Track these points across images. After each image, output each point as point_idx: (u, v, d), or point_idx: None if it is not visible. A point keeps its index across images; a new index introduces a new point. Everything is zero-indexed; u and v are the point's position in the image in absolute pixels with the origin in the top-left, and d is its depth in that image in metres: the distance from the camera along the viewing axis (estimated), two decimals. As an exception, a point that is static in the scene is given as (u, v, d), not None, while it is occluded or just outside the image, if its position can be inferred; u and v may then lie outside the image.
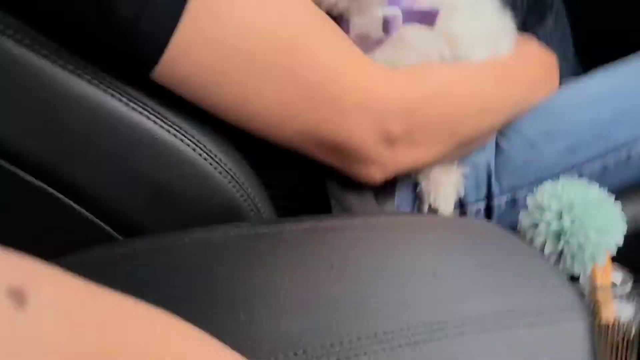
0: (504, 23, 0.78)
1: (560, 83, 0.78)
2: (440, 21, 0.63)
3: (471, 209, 0.67)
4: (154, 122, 0.47)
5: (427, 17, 0.61)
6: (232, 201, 0.52)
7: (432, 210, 0.65)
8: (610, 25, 1.35)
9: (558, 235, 0.50)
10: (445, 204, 0.64)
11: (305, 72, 0.52)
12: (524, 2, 1.09)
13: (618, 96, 0.67)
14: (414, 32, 0.63)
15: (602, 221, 0.48)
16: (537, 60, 0.75)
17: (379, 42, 0.63)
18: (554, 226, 0.50)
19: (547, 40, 1.09)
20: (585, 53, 1.18)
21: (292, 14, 0.52)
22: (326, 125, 0.54)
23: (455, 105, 0.62)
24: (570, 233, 0.49)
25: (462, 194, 0.65)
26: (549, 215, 0.51)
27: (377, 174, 0.59)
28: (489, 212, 0.67)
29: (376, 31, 0.61)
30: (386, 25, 0.60)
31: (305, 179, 0.63)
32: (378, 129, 0.56)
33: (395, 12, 0.60)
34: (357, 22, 0.61)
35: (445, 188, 0.64)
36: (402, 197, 0.65)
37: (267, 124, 0.53)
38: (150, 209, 0.51)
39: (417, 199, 0.66)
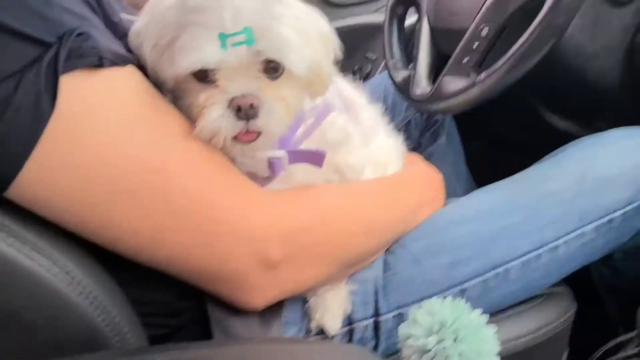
0: (395, 145, 0.82)
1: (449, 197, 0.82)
2: (330, 157, 0.63)
3: (359, 325, 0.64)
4: (3, 239, 0.43)
5: (315, 158, 0.61)
6: (92, 326, 0.47)
7: (320, 328, 0.63)
8: (498, 144, 1.47)
9: (425, 353, 0.49)
10: (333, 322, 0.62)
11: (176, 197, 0.50)
12: (419, 122, 1.16)
13: (497, 214, 0.70)
14: (302, 172, 0.63)
15: (468, 346, 0.47)
16: (425, 180, 0.78)
17: (267, 179, 0.61)
18: (421, 343, 0.49)
19: (440, 158, 1.16)
20: (477, 169, 1.26)
21: (163, 139, 0.50)
22: (199, 251, 0.52)
23: (340, 229, 0.61)
24: (435, 352, 0.48)
25: (349, 311, 0.64)
26: (419, 331, 0.50)
27: (257, 300, 0.56)
28: (376, 329, 0.65)
29: (262, 171, 0.60)
30: (272, 167, 0.59)
31: (184, 296, 0.59)
32: (257, 254, 0.53)
33: (280, 154, 0.59)
34: (243, 162, 0.59)
35: (332, 305, 0.62)
36: (290, 313, 0.63)
37: (136, 247, 0.50)
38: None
39: (306, 315, 0.64)
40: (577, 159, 0.74)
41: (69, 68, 0.43)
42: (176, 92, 0.56)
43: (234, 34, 0.51)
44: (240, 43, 0.51)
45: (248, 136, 0.54)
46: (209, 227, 0.51)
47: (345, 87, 0.76)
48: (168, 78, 0.54)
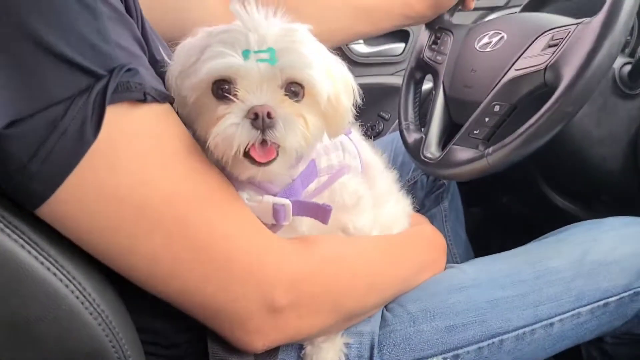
0: (402, 207, 0.84)
1: (450, 262, 0.83)
2: (339, 217, 0.65)
3: (352, 378, 0.65)
4: (29, 252, 0.45)
5: (321, 213, 0.61)
6: (98, 345, 0.49)
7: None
8: (497, 213, 1.50)
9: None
10: (326, 372, 0.63)
11: (197, 232, 0.51)
12: (425, 183, 1.19)
13: (496, 285, 0.71)
14: (307, 226, 0.64)
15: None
16: (428, 242, 0.80)
17: (271, 228, 0.62)
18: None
19: (442, 221, 1.19)
20: (475, 236, 1.28)
21: (191, 175, 0.53)
22: (211, 287, 0.53)
23: (345, 281, 0.63)
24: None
25: (344, 362, 0.65)
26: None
27: (257, 343, 0.57)
28: (369, 384, 0.66)
29: (266, 217, 0.60)
30: (276, 214, 0.60)
31: (186, 329, 0.60)
32: (263, 297, 0.55)
33: (284, 201, 0.60)
34: (248, 205, 0.59)
35: (327, 356, 0.63)
36: (286, 357, 0.64)
37: (152, 276, 0.52)
38: (5, 343, 0.46)
39: (301, 360, 0.65)
40: (578, 241, 0.76)
41: (115, 100, 0.46)
42: (195, 110, 0.57)
43: (258, 52, 0.54)
44: (263, 60, 0.54)
45: (264, 153, 0.54)
46: (224, 264, 0.53)
47: (365, 150, 0.79)
48: (190, 90, 0.56)
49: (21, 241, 0.44)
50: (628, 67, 0.89)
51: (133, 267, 0.51)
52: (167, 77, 0.59)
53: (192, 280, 0.52)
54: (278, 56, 0.55)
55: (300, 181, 0.64)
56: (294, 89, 0.57)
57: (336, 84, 0.60)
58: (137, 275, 0.52)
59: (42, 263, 0.45)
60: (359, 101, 0.65)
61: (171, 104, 0.54)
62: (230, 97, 0.54)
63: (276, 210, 0.60)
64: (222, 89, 0.55)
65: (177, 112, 0.57)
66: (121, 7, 0.50)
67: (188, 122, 0.58)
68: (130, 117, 0.48)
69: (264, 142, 0.54)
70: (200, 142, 0.57)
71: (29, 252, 0.45)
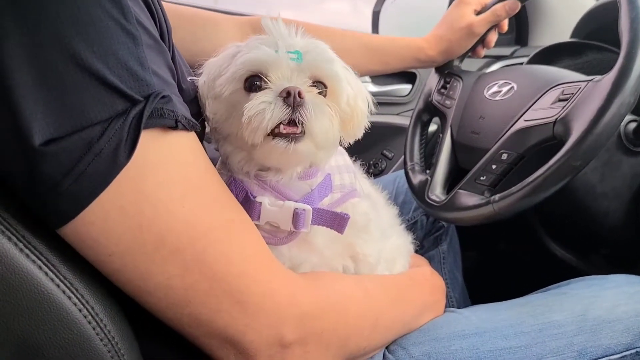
0: (404, 244, 0.85)
1: (448, 306, 0.83)
2: (349, 237, 0.67)
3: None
4: (45, 273, 0.45)
5: (338, 221, 0.64)
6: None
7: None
8: (494, 259, 1.50)
9: None
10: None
11: (214, 262, 0.52)
12: (425, 224, 1.20)
13: (499, 335, 0.71)
14: (322, 238, 0.67)
15: None
16: (429, 284, 0.80)
17: (287, 237, 0.65)
18: None
19: (440, 263, 1.20)
20: (471, 280, 1.28)
21: (213, 206, 0.53)
22: (223, 317, 0.53)
23: (351, 320, 0.63)
24: None
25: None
26: None
27: None
28: None
29: (285, 223, 0.64)
30: (296, 219, 0.63)
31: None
32: (273, 331, 0.55)
33: (305, 206, 0.64)
34: (269, 210, 0.63)
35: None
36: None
37: (166, 302, 0.52)
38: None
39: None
40: (581, 295, 0.76)
41: (149, 125, 0.47)
42: (229, 105, 0.63)
43: (287, 52, 0.61)
44: (292, 59, 0.61)
45: (292, 128, 0.58)
46: (237, 296, 0.53)
47: (367, 186, 0.81)
48: (225, 84, 0.62)
49: (39, 262, 0.44)
50: (633, 125, 0.91)
51: (148, 293, 0.51)
52: (199, 87, 0.66)
53: (205, 310, 0.52)
54: (304, 57, 0.61)
55: (318, 192, 0.67)
56: (319, 88, 0.63)
57: (353, 87, 0.67)
58: (151, 301, 0.52)
59: (57, 285, 0.45)
60: (373, 110, 0.72)
61: (196, 132, 0.55)
62: (263, 86, 0.60)
63: (297, 215, 0.63)
64: (254, 84, 0.61)
65: (208, 115, 0.64)
66: (157, 34, 0.52)
67: (221, 120, 0.64)
68: (161, 143, 0.49)
69: (292, 122, 0.59)
70: (231, 138, 0.63)
71: (46, 274, 0.45)
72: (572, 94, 0.79)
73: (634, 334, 0.69)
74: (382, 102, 1.60)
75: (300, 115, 0.58)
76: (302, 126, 0.58)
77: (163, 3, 0.90)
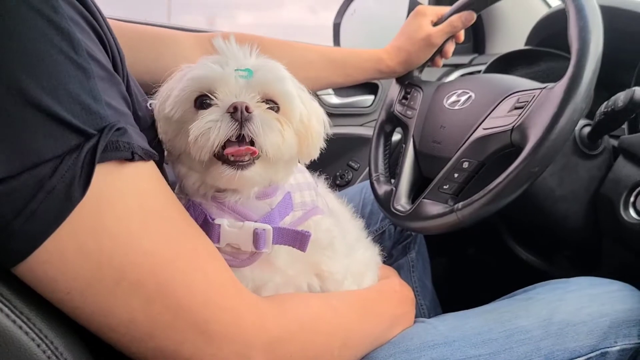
0: (372, 256, 0.85)
1: (419, 317, 0.84)
2: (313, 255, 0.67)
3: None
4: (0, 309, 0.43)
5: (299, 239, 0.64)
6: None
7: None
8: (463, 264, 1.52)
9: None
10: None
11: (178, 292, 0.51)
12: (392, 233, 1.21)
13: (468, 343, 0.71)
14: (284, 258, 0.66)
15: None
16: (398, 296, 0.81)
17: (249, 258, 0.65)
18: None
19: (409, 271, 1.20)
20: (441, 286, 1.29)
21: (174, 235, 0.52)
22: (188, 348, 0.52)
23: (320, 340, 0.62)
24: None
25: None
26: None
27: None
28: None
29: (246, 244, 0.63)
30: (256, 239, 0.62)
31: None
32: (241, 359, 0.54)
33: (265, 226, 0.63)
34: (228, 231, 0.63)
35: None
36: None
37: (129, 337, 0.50)
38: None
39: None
40: (546, 300, 0.78)
41: (104, 159, 0.46)
42: (179, 124, 0.62)
43: (237, 70, 0.61)
44: (241, 77, 0.60)
45: (240, 154, 0.58)
46: (202, 326, 0.52)
47: (332, 200, 0.81)
48: (174, 105, 0.61)
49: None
50: (588, 129, 0.93)
51: (110, 328, 0.49)
52: (154, 112, 0.65)
53: (170, 341, 0.51)
54: (254, 74, 0.61)
55: (278, 211, 0.66)
56: (270, 106, 0.62)
57: (307, 107, 0.66)
58: (114, 337, 0.50)
59: (14, 322, 0.44)
60: (330, 132, 0.71)
61: (155, 161, 0.54)
62: (212, 103, 0.60)
63: (257, 236, 0.63)
64: (204, 102, 0.61)
65: (160, 136, 0.63)
66: (109, 66, 0.51)
67: (172, 138, 0.63)
68: (117, 176, 0.48)
69: (242, 139, 0.58)
70: (182, 158, 0.63)
71: (1, 310, 0.43)
72: (527, 101, 0.81)
73: (598, 335, 0.71)
74: (345, 114, 1.61)
75: (249, 130, 0.58)
76: (253, 148, 0.59)
77: (124, 23, 0.90)
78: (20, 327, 0.44)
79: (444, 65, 1.36)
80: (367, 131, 1.59)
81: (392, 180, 1.10)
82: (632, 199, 0.88)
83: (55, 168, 0.43)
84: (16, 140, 0.42)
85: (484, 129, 0.87)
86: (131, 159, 0.49)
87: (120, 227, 0.47)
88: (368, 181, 1.16)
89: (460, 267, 1.52)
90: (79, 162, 0.44)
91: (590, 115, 0.96)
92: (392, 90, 1.19)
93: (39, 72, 0.43)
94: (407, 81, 1.17)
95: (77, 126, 0.45)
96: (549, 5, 1.60)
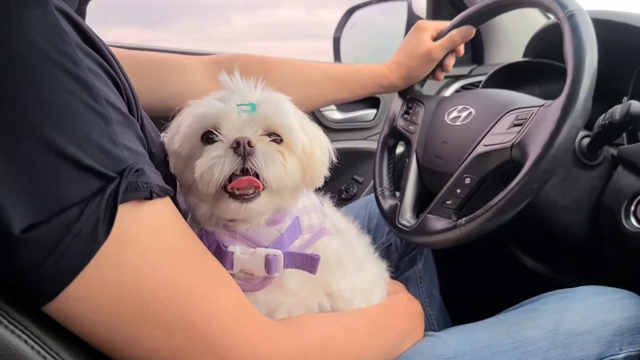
0: (380, 272, 0.87)
1: (427, 327, 0.86)
2: (323, 276, 0.69)
3: None
4: (31, 347, 0.46)
5: (309, 263, 0.66)
6: None
7: None
8: (471, 275, 1.53)
9: None
10: None
11: (197, 322, 0.53)
12: (399, 246, 1.22)
13: (478, 357, 0.73)
14: (295, 280, 0.69)
15: None
16: (406, 311, 0.83)
17: (262, 282, 0.67)
18: None
19: (417, 283, 1.22)
20: (449, 298, 1.31)
21: (191, 266, 0.55)
22: None
23: (332, 359, 0.64)
24: None
25: None
26: None
27: None
28: None
29: (258, 270, 0.65)
30: (268, 265, 0.65)
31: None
32: None
33: (276, 252, 0.66)
34: (241, 258, 0.65)
35: None
36: None
37: None
38: None
39: None
40: (551, 310, 0.80)
41: (125, 200, 0.49)
42: (188, 159, 0.65)
43: (240, 105, 0.63)
44: (244, 111, 0.63)
45: (245, 185, 0.60)
46: (221, 352, 0.54)
47: (339, 219, 0.83)
48: (182, 141, 0.64)
49: (24, 336, 0.45)
50: (587, 140, 0.95)
51: (134, 357, 0.52)
52: (165, 146, 0.67)
53: None
54: (257, 108, 0.63)
55: (287, 236, 0.69)
56: (273, 138, 0.65)
57: (309, 136, 0.68)
58: None
59: (44, 358, 0.46)
60: (334, 160, 0.72)
61: (170, 197, 0.57)
62: (217, 139, 0.62)
63: (269, 261, 0.65)
64: (210, 138, 0.63)
65: (172, 170, 0.66)
66: (125, 109, 0.53)
67: (181, 172, 0.66)
68: (136, 215, 0.50)
69: (245, 172, 0.61)
70: (192, 190, 0.65)
71: (32, 347, 0.46)
72: (526, 119, 0.83)
73: (603, 343, 0.73)
74: (348, 129, 1.64)
75: (252, 163, 0.60)
76: (258, 180, 0.61)
77: (131, 51, 0.93)
78: (19, 337, 0.46)
79: (445, 77, 1.38)
80: (371, 145, 1.61)
81: (397, 194, 1.12)
82: (632, 208, 0.90)
83: (81, 212, 0.46)
84: (44, 187, 0.45)
85: (485, 145, 0.89)
86: (149, 197, 0.51)
87: (141, 262, 0.50)
88: (373, 195, 1.18)
89: (467, 276, 1.53)
90: (102, 205, 0.47)
91: (589, 125, 0.97)
92: (394, 105, 1.22)
93: (63, 122, 0.46)
94: (409, 95, 1.19)
95: (99, 170, 0.47)
96: (547, 17, 1.62)
